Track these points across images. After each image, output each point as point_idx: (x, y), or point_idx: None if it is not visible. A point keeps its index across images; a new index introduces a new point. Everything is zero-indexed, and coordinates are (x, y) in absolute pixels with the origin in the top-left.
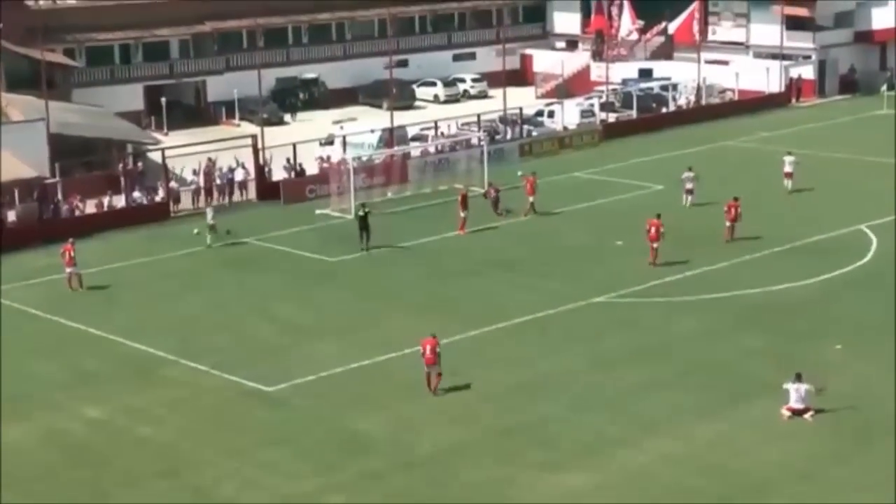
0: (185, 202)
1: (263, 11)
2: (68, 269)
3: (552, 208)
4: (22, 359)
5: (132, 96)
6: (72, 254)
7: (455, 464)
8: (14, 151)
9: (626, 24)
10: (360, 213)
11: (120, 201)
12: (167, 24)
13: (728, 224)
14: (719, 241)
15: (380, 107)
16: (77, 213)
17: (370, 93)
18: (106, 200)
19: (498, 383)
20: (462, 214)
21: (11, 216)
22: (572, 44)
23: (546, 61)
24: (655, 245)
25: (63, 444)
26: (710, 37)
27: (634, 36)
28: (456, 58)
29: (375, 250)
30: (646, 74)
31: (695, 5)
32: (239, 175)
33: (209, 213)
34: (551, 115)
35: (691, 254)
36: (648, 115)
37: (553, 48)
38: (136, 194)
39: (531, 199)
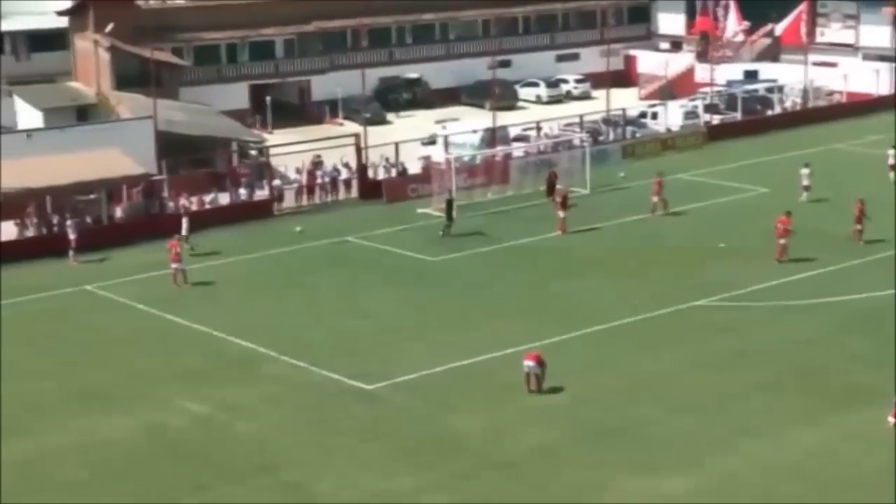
0: (289, 200)
1: (368, 11)
2: (174, 265)
3: (652, 210)
4: (125, 353)
5: (238, 95)
6: (178, 250)
7: (550, 466)
8: (123, 148)
9: (732, 25)
10: (448, 198)
11: (224, 198)
12: (273, 23)
13: (857, 227)
14: (829, 243)
15: (482, 107)
16: (183, 209)
17: (473, 93)
18: (211, 197)
19: (595, 386)
20: (561, 215)
21: (119, 212)
22: (676, 45)
23: (650, 62)
24: (783, 241)
25: (163, 438)
26: (818, 38)
27: (740, 37)
28: (559, 58)
29: (456, 239)
30: (751, 76)
31: (802, 6)
32: (342, 173)
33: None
34: (654, 116)
35: (803, 255)
36: (753, 118)
37: (657, 49)
38: (241, 192)
39: (655, 199)
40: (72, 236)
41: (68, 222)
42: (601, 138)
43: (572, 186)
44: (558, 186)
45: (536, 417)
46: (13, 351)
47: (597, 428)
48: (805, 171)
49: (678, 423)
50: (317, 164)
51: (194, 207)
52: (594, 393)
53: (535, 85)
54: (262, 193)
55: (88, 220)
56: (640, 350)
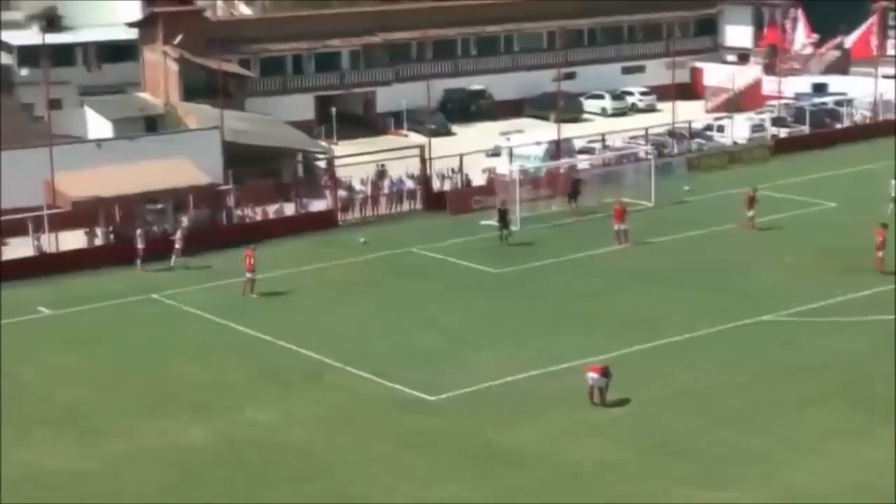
0: (354, 211)
1: (433, 23)
2: (248, 275)
3: (720, 223)
4: (192, 362)
5: (303, 106)
6: (252, 260)
7: (611, 480)
8: (190, 158)
9: (801, 37)
10: (500, 207)
11: (289, 209)
12: (339, 35)
13: (878, 254)
14: None
15: (547, 119)
16: (248, 219)
17: (537, 105)
18: (276, 208)
19: (658, 399)
20: (618, 227)
21: (185, 222)
22: (744, 57)
23: (717, 74)
24: (880, 254)
25: (228, 446)
26: (889, 51)
27: (809, 49)
28: (625, 70)
29: (519, 251)
30: (820, 89)
31: (872, 19)
32: (407, 185)
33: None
34: (721, 129)
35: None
36: (821, 131)
37: (724, 61)
38: (306, 202)
39: (750, 213)
40: (140, 245)
41: (137, 231)
42: (666, 151)
43: (638, 199)
44: (622, 200)
45: (599, 430)
46: (80, 358)
47: (660, 441)
48: (895, 182)
49: (735, 437)
50: (381, 174)
51: (259, 217)
52: (657, 406)
53: (601, 97)
54: (325, 204)
55: (156, 229)
56: (704, 364)
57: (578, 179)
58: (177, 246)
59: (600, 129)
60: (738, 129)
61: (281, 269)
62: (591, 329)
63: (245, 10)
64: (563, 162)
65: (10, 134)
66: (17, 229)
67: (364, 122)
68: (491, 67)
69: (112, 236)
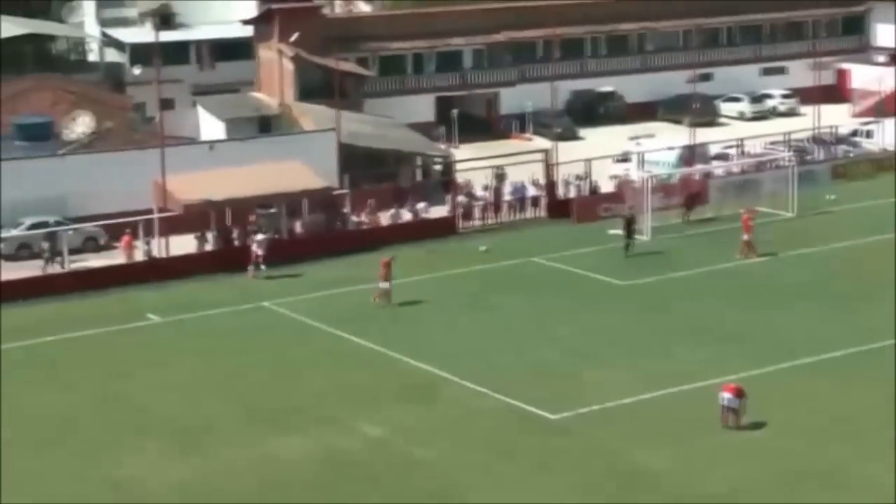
0: (474, 218)
1: (561, 21)
2: (383, 284)
3: (865, 235)
4: (302, 373)
5: (423, 107)
6: (389, 269)
7: None
8: (305, 161)
9: None
10: (626, 216)
11: (407, 215)
12: (461, 33)
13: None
14: None
15: (680, 123)
16: (364, 225)
17: (670, 108)
18: (393, 213)
19: (796, 423)
20: (746, 238)
21: (299, 227)
22: (895, 58)
23: (864, 76)
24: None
25: (338, 461)
26: None
27: None
28: (764, 72)
29: (648, 262)
30: None
31: None
32: (530, 191)
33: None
34: (869, 134)
35: None
36: None
37: (873, 62)
38: (424, 208)
39: None
40: (252, 251)
41: (256, 237)
42: (809, 158)
43: (777, 209)
44: (753, 209)
45: (731, 455)
46: (188, 367)
47: (796, 469)
48: None
49: (874, 467)
50: (500, 176)
51: (375, 223)
52: (794, 431)
53: (738, 100)
54: (444, 211)
55: (268, 234)
56: (845, 387)
57: (696, 192)
58: (258, 252)
59: (738, 134)
60: (889, 134)
61: (397, 278)
62: (723, 346)
63: (364, 7)
64: (698, 168)
65: (121, 134)
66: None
67: (486, 125)
68: (621, 68)
69: (223, 241)
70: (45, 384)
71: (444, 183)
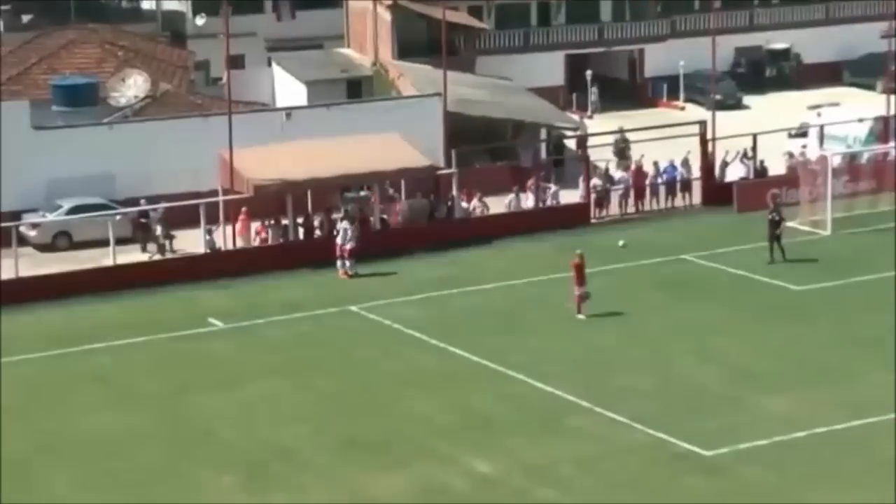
0: (612, 205)
1: None
2: (580, 290)
3: None
4: (399, 393)
5: (550, 68)
6: (582, 270)
7: None
8: (403, 133)
9: None
10: (771, 216)
11: (528, 201)
12: None
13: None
14: None
15: (872, 88)
16: (476, 213)
17: (860, 70)
18: (511, 199)
19: None
20: None
21: (396, 214)
22: None
23: None
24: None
25: (442, 501)
26: None
27: None
28: None
29: (831, 263)
30: None
31: None
32: (681, 172)
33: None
34: None
35: None
36: None
37: None
38: (550, 192)
39: None
40: (339, 243)
41: (342, 225)
42: None
43: None
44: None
45: None
46: (259, 385)
47: None
48: None
49: None
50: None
51: (490, 211)
52: None
53: None
54: (575, 195)
55: (357, 223)
56: None
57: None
58: (346, 246)
59: None
60: None
61: (515, 279)
62: None
63: None
64: (893, 145)
65: (179, 99)
66: (186, 220)
67: (628, 90)
68: (798, 20)
69: (302, 231)
70: (87, 404)
71: (576, 161)
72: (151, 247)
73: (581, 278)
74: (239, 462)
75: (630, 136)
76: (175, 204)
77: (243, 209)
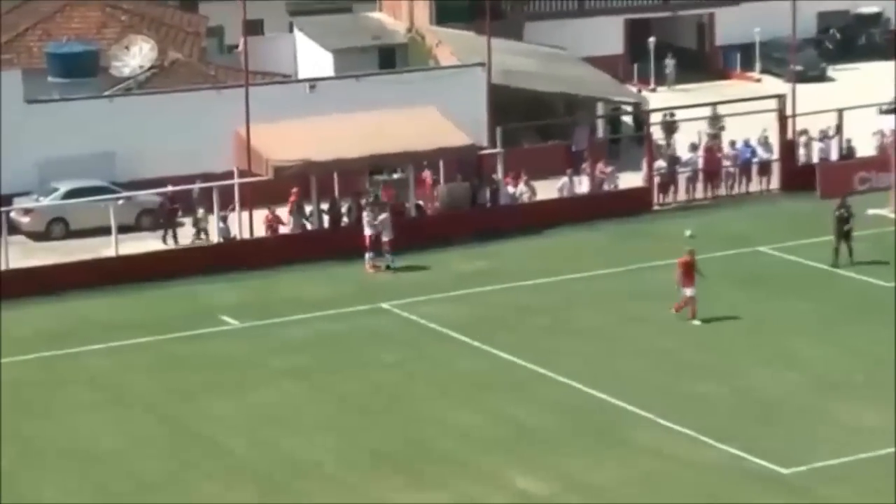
0: (678, 191)
1: None
2: (687, 291)
3: None
4: (436, 403)
5: (607, 35)
6: (692, 270)
7: None
8: (442, 108)
9: None
10: (838, 213)
11: (582, 185)
12: None
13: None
14: None
15: None
16: (524, 198)
17: None
18: (563, 183)
19: None
20: None
21: (434, 199)
22: None
23: None
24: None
25: None
26: None
27: None
28: None
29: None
30: None
31: None
32: (758, 153)
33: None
34: None
35: None
36: None
37: None
38: (608, 175)
39: None
40: (368, 232)
41: (366, 212)
42: None
43: None
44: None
45: None
46: (278, 391)
47: None
48: None
49: None
50: (714, 136)
51: (539, 196)
52: None
53: None
54: (636, 179)
55: (389, 209)
56: None
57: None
58: (377, 235)
59: None
60: None
61: (566, 273)
62: None
63: None
64: None
65: (190, 69)
66: (197, 204)
67: (696, 60)
68: None
69: (326, 218)
70: (81, 411)
71: (637, 140)
72: (183, 233)
73: (691, 279)
74: (250, 476)
75: (699, 111)
76: (184, 187)
77: (294, 190)
